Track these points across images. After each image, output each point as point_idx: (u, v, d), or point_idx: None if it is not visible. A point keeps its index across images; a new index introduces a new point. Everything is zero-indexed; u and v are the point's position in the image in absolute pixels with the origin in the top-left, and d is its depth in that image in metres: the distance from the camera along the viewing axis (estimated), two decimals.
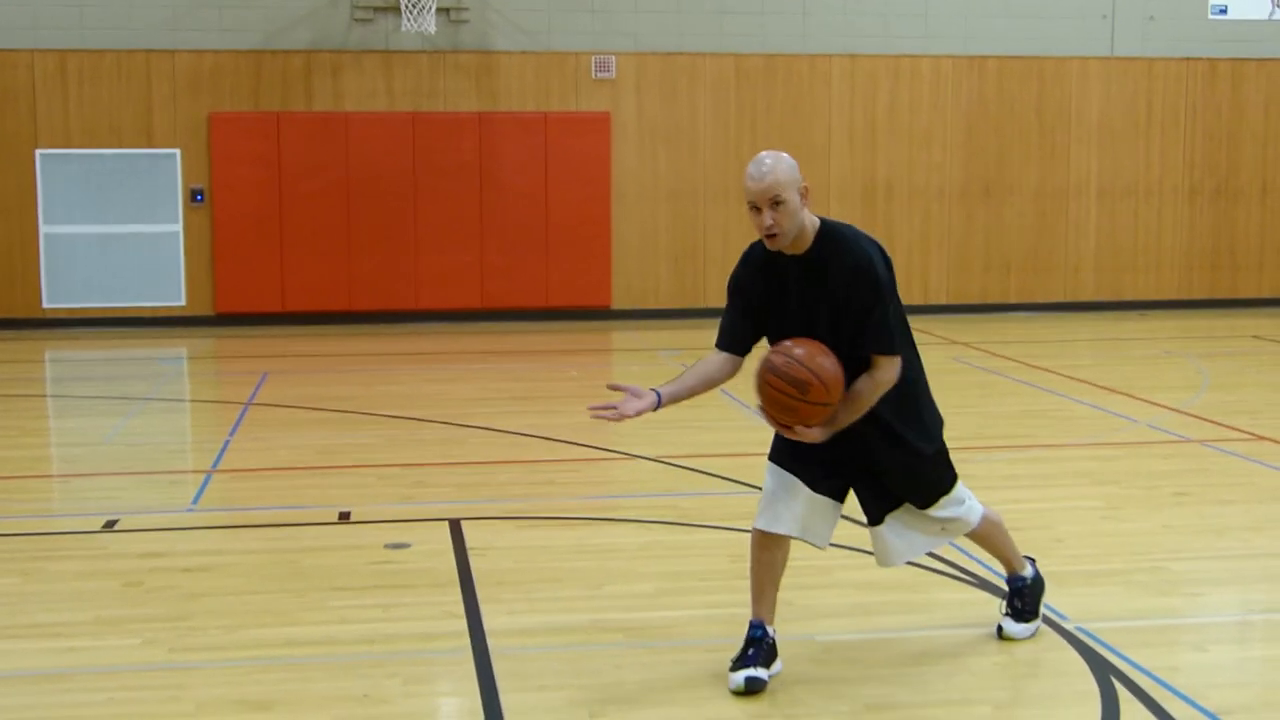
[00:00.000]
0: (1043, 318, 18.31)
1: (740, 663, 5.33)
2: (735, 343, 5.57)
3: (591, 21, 17.72)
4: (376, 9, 17.24)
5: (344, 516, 8.00)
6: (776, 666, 5.40)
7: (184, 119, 17.11)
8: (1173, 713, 5.04)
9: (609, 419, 5.37)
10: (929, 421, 5.46)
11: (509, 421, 10.90)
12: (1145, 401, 11.68)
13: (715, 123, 18.04)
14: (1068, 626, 5.95)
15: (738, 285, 5.49)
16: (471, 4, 17.38)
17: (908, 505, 5.47)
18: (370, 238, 17.34)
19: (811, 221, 5.27)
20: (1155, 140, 18.93)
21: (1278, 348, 15.63)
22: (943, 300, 18.50)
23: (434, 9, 16.60)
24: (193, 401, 12.75)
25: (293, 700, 5.22)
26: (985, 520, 5.68)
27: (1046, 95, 18.62)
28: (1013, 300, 18.70)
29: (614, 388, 5.51)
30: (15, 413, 11.95)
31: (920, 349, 5.51)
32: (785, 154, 5.34)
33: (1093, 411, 11.32)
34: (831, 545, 7.23)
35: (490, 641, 5.82)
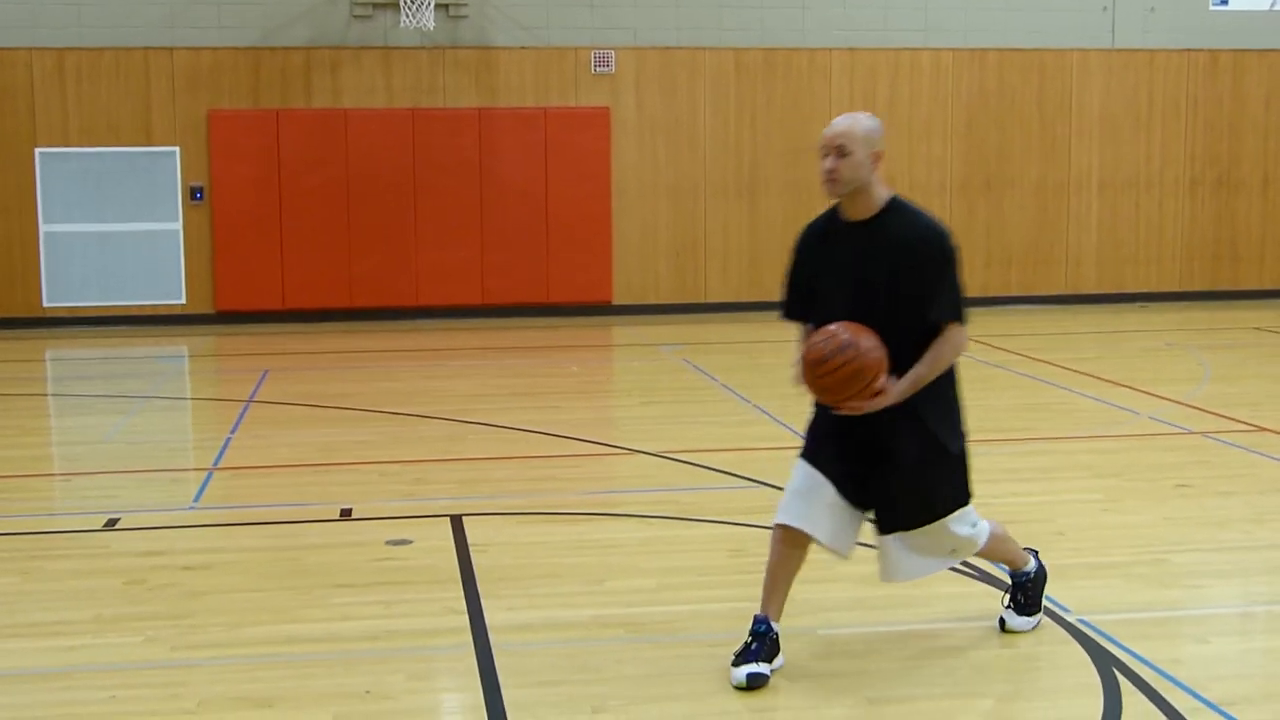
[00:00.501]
0: (1044, 310, 18.30)
1: (743, 658, 5.33)
2: (805, 311, 5.58)
3: (591, 16, 17.71)
4: (375, 5, 17.22)
5: (345, 513, 7.99)
6: (779, 661, 5.39)
7: (183, 116, 17.10)
8: (1175, 704, 5.04)
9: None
10: (956, 421, 5.44)
11: (510, 417, 10.89)
12: (1147, 394, 11.67)
13: (715, 117, 18.02)
14: (1070, 619, 5.94)
15: (796, 253, 5.61)
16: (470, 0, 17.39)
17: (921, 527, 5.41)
18: (370, 235, 17.34)
19: (881, 193, 5.37)
20: (1156, 132, 18.91)
21: (1279, 339, 15.62)
22: None
23: (433, 5, 16.58)
24: (193, 399, 12.75)
25: (294, 697, 5.22)
26: (991, 537, 5.65)
27: (1047, 88, 18.61)
28: (1014, 293, 18.69)
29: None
30: (15, 412, 11.95)
31: None
32: (872, 117, 5.41)
33: (1094, 404, 11.31)
34: None
35: (492, 637, 5.82)
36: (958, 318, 5.29)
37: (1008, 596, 5.88)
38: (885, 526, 5.47)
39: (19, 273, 16.99)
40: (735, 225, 18.02)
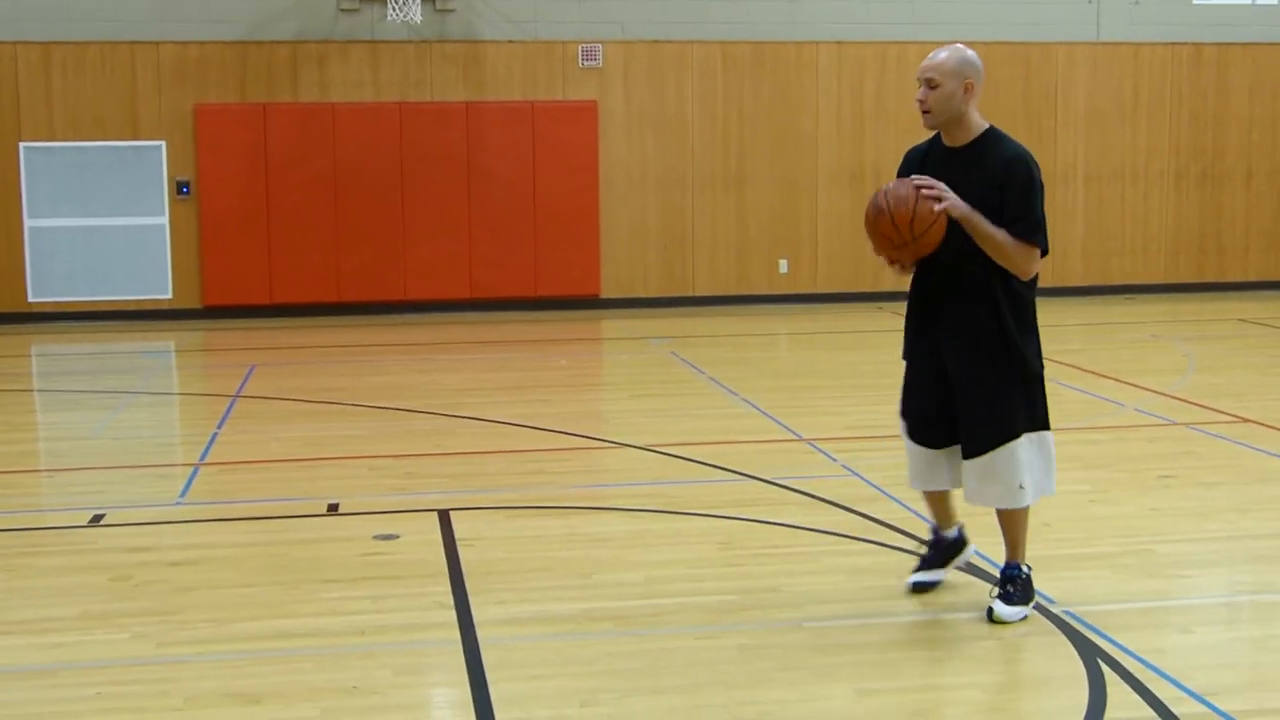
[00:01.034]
0: None
1: (916, 567, 6.20)
2: None
3: (578, 10, 17.70)
4: None
5: (333, 508, 8.00)
6: (961, 558, 6.19)
7: (169, 110, 17.07)
8: (1159, 694, 5.06)
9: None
10: (1038, 347, 5.92)
11: (498, 411, 10.90)
12: (1132, 385, 11.70)
13: (703, 110, 18.02)
14: (1055, 610, 5.96)
15: (899, 175, 5.96)
16: None
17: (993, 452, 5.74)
18: (358, 229, 17.32)
19: (978, 122, 5.81)
20: (1141, 125, 18.96)
21: (1263, 331, 15.67)
22: None
23: None
24: (180, 395, 12.74)
25: (283, 692, 5.22)
26: (1029, 511, 5.94)
27: (1033, 80, 18.64)
28: None
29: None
30: (1, 408, 11.92)
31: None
32: (970, 51, 5.85)
33: (1080, 395, 11.34)
34: (820, 532, 7.27)
35: (480, 631, 5.82)
36: (1033, 238, 5.65)
37: (997, 587, 5.90)
38: (967, 450, 5.81)
39: (4, 267, 16.95)
40: (723, 218, 18.03)
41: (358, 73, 17.34)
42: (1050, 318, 17.19)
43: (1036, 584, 6.01)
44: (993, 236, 5.59)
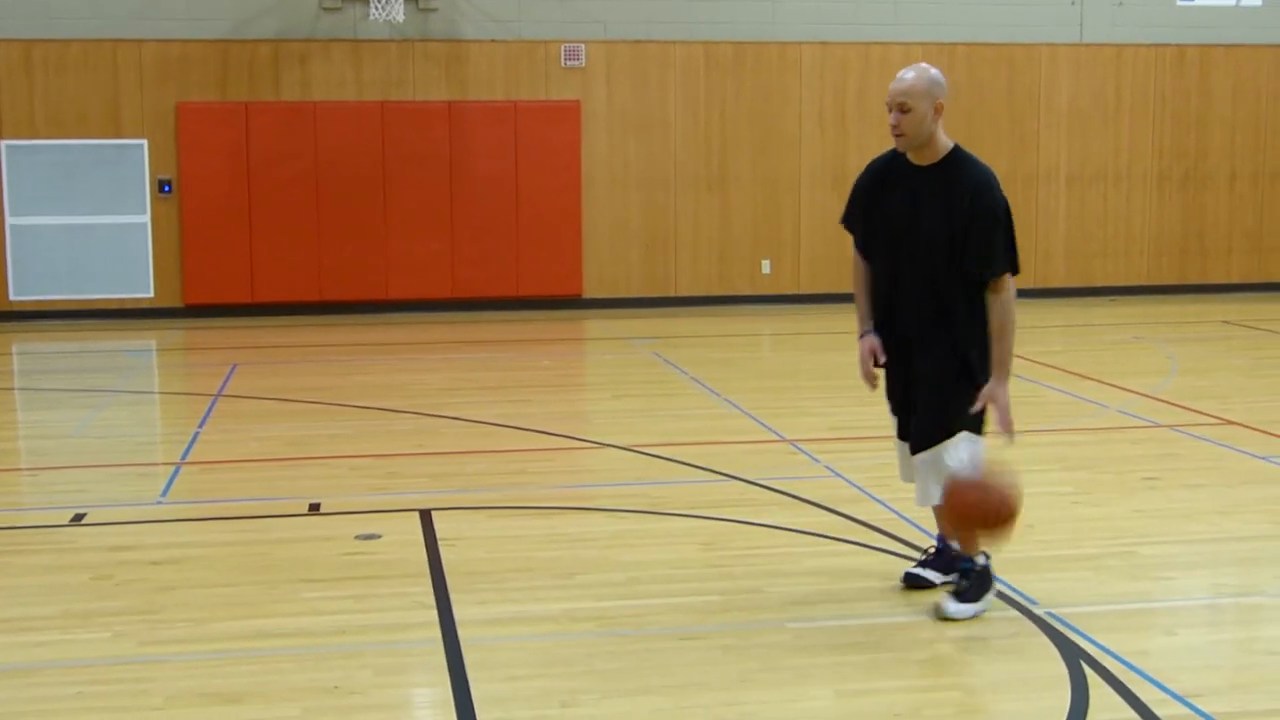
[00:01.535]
0: None
1: (919, 563, 6.23)
2: (854, 227, 6.19)
3: (561, 10, 17.68)
4: None
5: (314, 508, 7.97)
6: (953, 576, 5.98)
7: (151, 109, 17.01)
8: (1142, 696, 5.06)
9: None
10: (987, 358, 5.81)
11: (480, 411, 10.88)
12: (1115, 387, 11.72)
13: (685, 111, 18.02)
14: (1038, 611, 5.96)
15: (856, 189, 6.10)
16: None
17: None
18: (340, 228, 17.29)
19: (945, 142, 5.85)
20: (1124, 126, 19.00)
21: (1246, 333, 15.71)
22: None
23: None
24: (161, 394, 12.69)
25: (263, 692, 5.20)
26: None
27: (1016, 81, 18.67)
28: None
29: (869, 372, 6.04)
30: None
31: None
32: (934, 70, 5.87)
33: (1063, 397, 11.35)
34: (803, 533, 7.27)
35: (461, 632, 5.81)
36: (1010, 268, 5.81)
37: (951, 583, 5.93)
38: (914, 446, 5.97)
39: None
40: (705, 218, 18.03)
41: (340, 71, 17.30)
42: (1032, 319, 17.29)
43: (1020, 585, 6.01)
44: (1007, 341, 5.84)
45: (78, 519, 7.74)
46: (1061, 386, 11.76)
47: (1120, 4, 18.77)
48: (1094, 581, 6.47)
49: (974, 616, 5.85)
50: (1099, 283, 19.05)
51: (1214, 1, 18.98)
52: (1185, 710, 4.96)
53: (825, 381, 12.60)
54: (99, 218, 16.99)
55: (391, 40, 17.33)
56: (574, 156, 17.76)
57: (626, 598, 6.28)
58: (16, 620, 6.05)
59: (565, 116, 17.70)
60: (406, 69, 17.42)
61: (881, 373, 6.05)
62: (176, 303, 17.23)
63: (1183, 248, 19.29)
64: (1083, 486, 8.30)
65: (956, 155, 5.84)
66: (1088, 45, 18.78)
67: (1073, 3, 18.67)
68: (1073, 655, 5.46)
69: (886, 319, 6.02)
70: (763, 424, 10.14)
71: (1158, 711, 4.94)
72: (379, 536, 7.29)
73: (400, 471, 8.95)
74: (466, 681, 5.27)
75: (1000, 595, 6.12)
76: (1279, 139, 19.35)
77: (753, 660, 5.44)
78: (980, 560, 5.91)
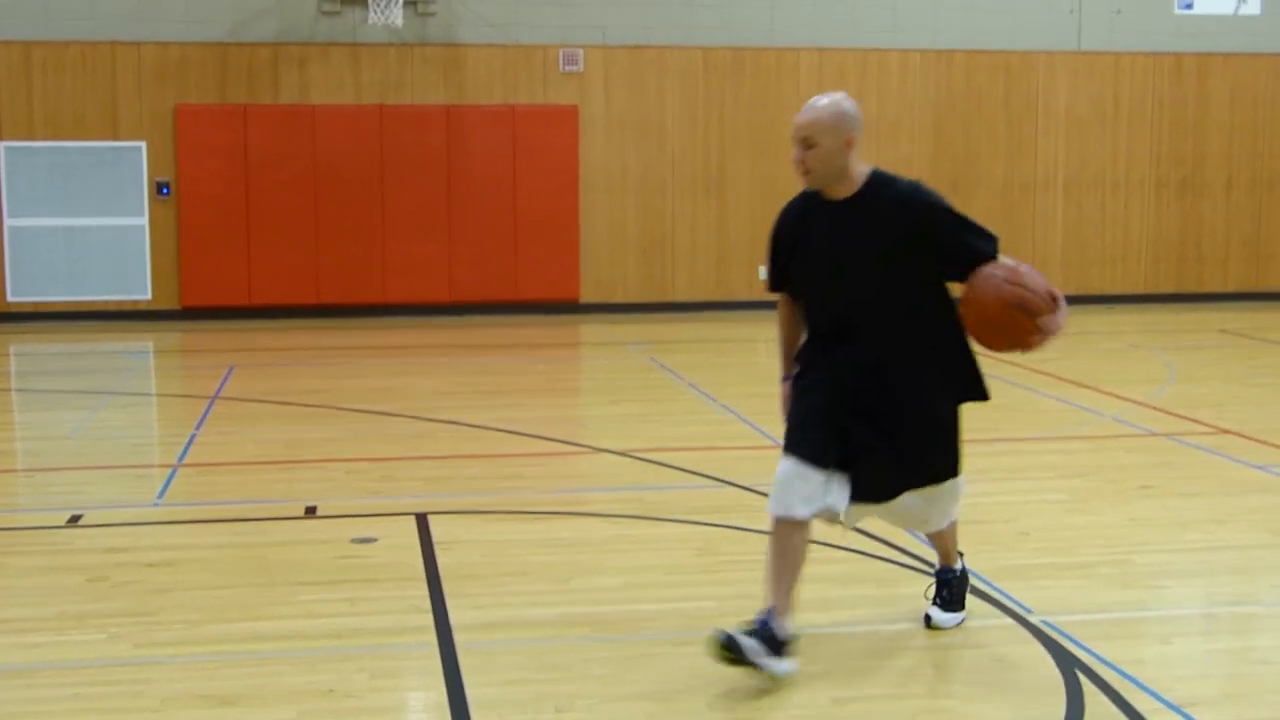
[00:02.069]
0: None
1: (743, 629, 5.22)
2: (788, 285, 5.61)
3: (559, 14, 17.70)
4: (343, 1, 17.17)
5: (310, 511, 7.97)
6: (786, 665, 5.22)
7: (149, 111, 17.02)
8: (1137, 705, 5.06)
9: None
10: (960, 389, 5.55)
11: (476, 415, 10.88)
12: (1111, 395, 11.73)
13: (683, 116, 18.03)
14: (1033, 620, 5.96)
15: (774, 234, 5.55)
16: None
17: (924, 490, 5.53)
18: (337, 231, 17.29)
19: (860, 170, 5.34)
20: (1122, 134, 19.02)
21: (1243, 342, 15.72)
22: None
23: (401, 1, 16.55)
24: (158, 396, 12.69)
25: (259, 695, 5.20)
26: (952, 524, 5.81)
27: (1014, 89, 18.69)
28: None
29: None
30: None
31: None
32: (846, 101, 5.40)
33: (1059, 405, 11.36)
34: None
35: (456, 636, 5.81)
36: (990, 249, 5.38)
37: (933, 593, 5.92)
38: (923, 480, 5.53)
39: None
40: (703, 223, 18.04)
41: (338, 75, 17.31)
42: None
43: (1015, 593, 6.01)
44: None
45: (74, 520, 7.73)
46: (1057, 394, 11.77)
47: (1119, 12, 18.79)
48: (1089, 590, 6.47)
49: (960, 624, 5.86)
50: (1096, 290, 19.07)
51: (1212, 10, 19.01)
52: (1180, 719, 4.96)
53: None
54: (97, 219, 16.99)
55: (390, 44, 17.34)
56: (572, 161, 17.77)
57: (621, 603, 6.28)
58: (12, 621, 6.05)
59: (563, 121, 17.71)
60: (405, 72, 17.42)
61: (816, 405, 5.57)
62: (174, 305, 17.24)
63: (1180, 255, 19.31)
64: (1078, 494, 8.31)
65: (875, 179, 5.34)
66: (1086, 53, 18.81)
67: (1071, 11, 18.70)
68: (1067, 664, 5.46)
69: (836, 360, 5.48)
70: (759, 430, 10.13)
71: None
72: (375, 540, 7.29)
73: (396, 475, 8.95)
74: (461, 685, 5.27)
75: (995, 603, 6.13)
76: (1276, 147, 19.38)
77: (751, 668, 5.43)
78: (959, 564, 5.91)
